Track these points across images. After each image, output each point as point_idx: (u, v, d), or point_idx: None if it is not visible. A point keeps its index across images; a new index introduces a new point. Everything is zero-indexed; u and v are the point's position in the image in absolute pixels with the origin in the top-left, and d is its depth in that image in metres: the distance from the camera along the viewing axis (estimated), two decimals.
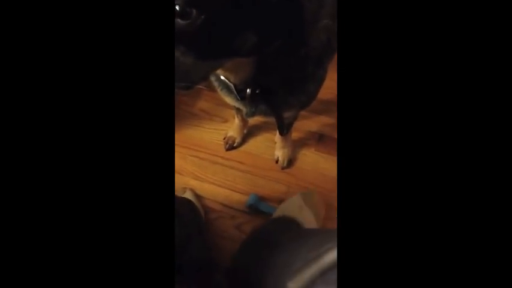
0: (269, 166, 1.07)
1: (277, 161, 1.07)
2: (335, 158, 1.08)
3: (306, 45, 0.53)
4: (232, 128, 1.09)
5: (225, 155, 1.09)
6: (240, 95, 0.60)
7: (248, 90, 0.58)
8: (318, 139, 1.12)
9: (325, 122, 1.15)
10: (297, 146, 1.10)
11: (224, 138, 1.10)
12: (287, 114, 0.74)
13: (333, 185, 1.03)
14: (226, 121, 1.16)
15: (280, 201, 1.00)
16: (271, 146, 1.09)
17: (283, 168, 1.06)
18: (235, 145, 1.10)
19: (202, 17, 0.38)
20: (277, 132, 1.03)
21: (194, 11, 0.38)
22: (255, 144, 1.11)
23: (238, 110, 0.97)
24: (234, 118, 1.06)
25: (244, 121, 1.06)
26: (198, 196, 1.02)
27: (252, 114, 0.69)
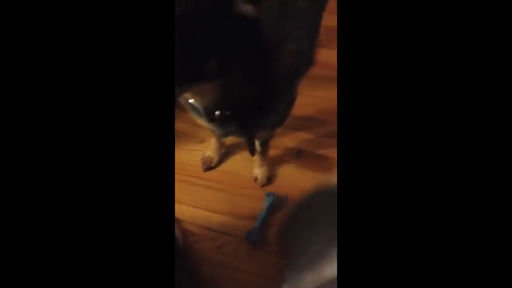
0: (248, 184, 1.06)
1: (256, 179, 1.06)
2: (314, 174, 1.09)
3: (271, 68, 0.55)
4: (210, 148, 1.08)
5: (203, 176, 1.08)
6: (209, 117, 0.60)
7: (217, 113, 0.59)
8: (296, 155, 1.13)
9: (302, 138, 1.16)
10: (276, 162, 1.11)
11: (201, 159, 1.09)
12: (260, 134, 0.75)
13: None
14: (203, 141, 1.15)
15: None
16: (249, 164, 1.09)
17: (262, 185, 1.06)
18: (212, 165, 1.09)
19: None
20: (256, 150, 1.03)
21: None
22: (233, 163, 1.11)
23: (212, 130, 0.97)
24: (211, 138, 1.06)
25: (221, 141, 1.05)
26: (176, 220, 1.00)
27: (225, 135, 0.69)
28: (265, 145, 0.96)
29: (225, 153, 1.12)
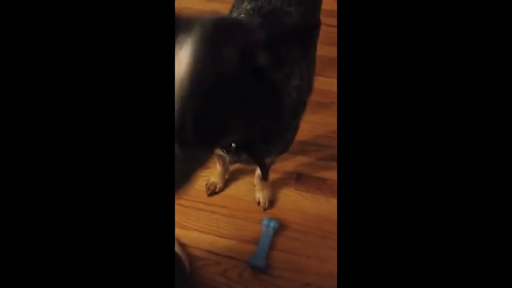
0: (251, 208, 1.09)
1: (258, 203, 1.10)
2: (314, 196, 1.12)
3: (281, 105, 0.60)
4: (214, 174, 1.12)
5: (208, 201, 1.11)
6: (226, 149, 0.65)
7: (233, 145, 0.63)
8: (296, 178, 1.17)
9: (301, 162, 1.20)
10: (277, 186, 1.14)
11: (206, 184, 1.13)
12: (267, 160, 0.80)
13: (313, 223, 1.06)
14: (207, 167, 1.19)
15: None
16: (252, 188, 1.12)
17: (265, 209, 1.09)
18: (217, 190, 1.12)
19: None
20: (256, 175, 1.08)
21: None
22: (236, 187, 1.14)
23: (219, 156, 1.02)
24: (216, 164, 1.10)
25: (225, 167, 1.10)
26: (182, 245, 1.02)
27: (234, 163, 0.73)
28: (266, 170, 1.00)
29: (229, 179, 1.15)
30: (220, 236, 1.04)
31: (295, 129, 0.75)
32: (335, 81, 1.34)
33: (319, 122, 1.25)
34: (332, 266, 0.97)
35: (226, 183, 1.14)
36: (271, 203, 1.09)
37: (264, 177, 0.76)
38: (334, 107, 1.29)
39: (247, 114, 0.49)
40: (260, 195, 1.09)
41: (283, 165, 1.18)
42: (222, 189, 1.13)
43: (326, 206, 1.09)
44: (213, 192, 1.12)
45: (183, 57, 0.41)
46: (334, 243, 1.01)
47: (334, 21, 1.35)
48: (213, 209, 1.09)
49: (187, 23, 0.43)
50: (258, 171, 1.04)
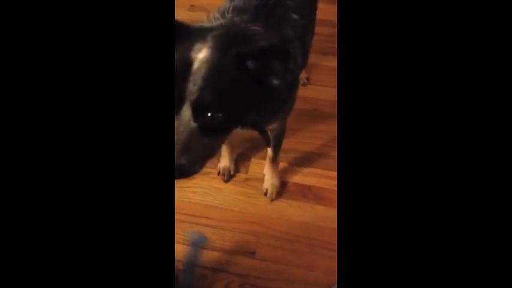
0: (237, 219, 1.08)
1: (265, 193, 1.10)
2: (300, 204, 1.12)
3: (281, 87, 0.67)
4: (223, 158, 1.13)
5: (192, 212, 1.09)
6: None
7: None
8: (280, 186, 1.16)
9: (285, 169, 1.20)
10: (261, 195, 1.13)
11: (218, 174, 1.13)
12: (272, 126, 0.86)
13: (299, 231, 1.06)
14: (192, 177, 1.16)
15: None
16: (237, 198, 1.11)
17: (272, 200, 1.09)
18: (232, 174, 1.14)
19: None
20: (266, 162, 1.09)
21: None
22: (223, 198, 1.13)
23: None
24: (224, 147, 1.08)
25: (231, 147, 1.12)
26: None
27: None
28: (277, 147, 1.02)
29: (215, 189, 1.14)
30: (206, 249, 1.02)
31: (291, 103, 0.85)
32: (320, 88, 1.37)
33: (301, 128, 1.26)
34: (319, 274, 0.98)
35: (211, 193, 1.12)
36: (279, 194, 1.10)
37: (268, 143, 0.87)
38: (317, 114, 1.31)
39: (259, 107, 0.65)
40: (269, 185, 1.10)
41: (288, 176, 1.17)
42: (235, 173, 1.15)
43: (311, 213, 1.09)
44: (229, 177, 1.13)
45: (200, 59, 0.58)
46: (321, 251, 1.01)
47: (328, 31, 1.39)
48: (198, 220, 1.07)
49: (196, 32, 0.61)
50: (269, 155, 1.05)
